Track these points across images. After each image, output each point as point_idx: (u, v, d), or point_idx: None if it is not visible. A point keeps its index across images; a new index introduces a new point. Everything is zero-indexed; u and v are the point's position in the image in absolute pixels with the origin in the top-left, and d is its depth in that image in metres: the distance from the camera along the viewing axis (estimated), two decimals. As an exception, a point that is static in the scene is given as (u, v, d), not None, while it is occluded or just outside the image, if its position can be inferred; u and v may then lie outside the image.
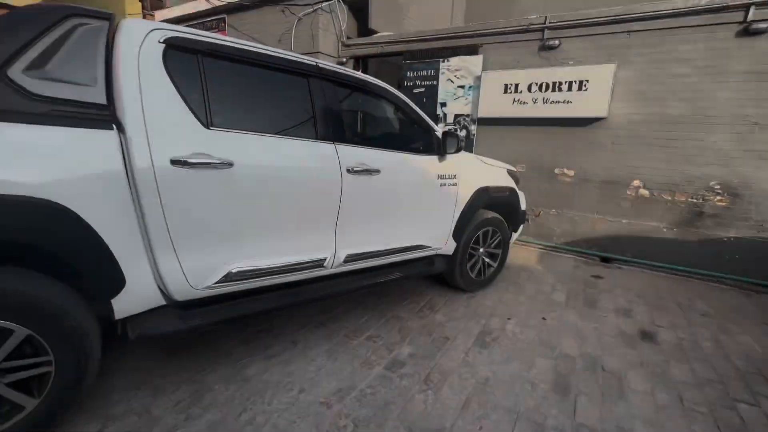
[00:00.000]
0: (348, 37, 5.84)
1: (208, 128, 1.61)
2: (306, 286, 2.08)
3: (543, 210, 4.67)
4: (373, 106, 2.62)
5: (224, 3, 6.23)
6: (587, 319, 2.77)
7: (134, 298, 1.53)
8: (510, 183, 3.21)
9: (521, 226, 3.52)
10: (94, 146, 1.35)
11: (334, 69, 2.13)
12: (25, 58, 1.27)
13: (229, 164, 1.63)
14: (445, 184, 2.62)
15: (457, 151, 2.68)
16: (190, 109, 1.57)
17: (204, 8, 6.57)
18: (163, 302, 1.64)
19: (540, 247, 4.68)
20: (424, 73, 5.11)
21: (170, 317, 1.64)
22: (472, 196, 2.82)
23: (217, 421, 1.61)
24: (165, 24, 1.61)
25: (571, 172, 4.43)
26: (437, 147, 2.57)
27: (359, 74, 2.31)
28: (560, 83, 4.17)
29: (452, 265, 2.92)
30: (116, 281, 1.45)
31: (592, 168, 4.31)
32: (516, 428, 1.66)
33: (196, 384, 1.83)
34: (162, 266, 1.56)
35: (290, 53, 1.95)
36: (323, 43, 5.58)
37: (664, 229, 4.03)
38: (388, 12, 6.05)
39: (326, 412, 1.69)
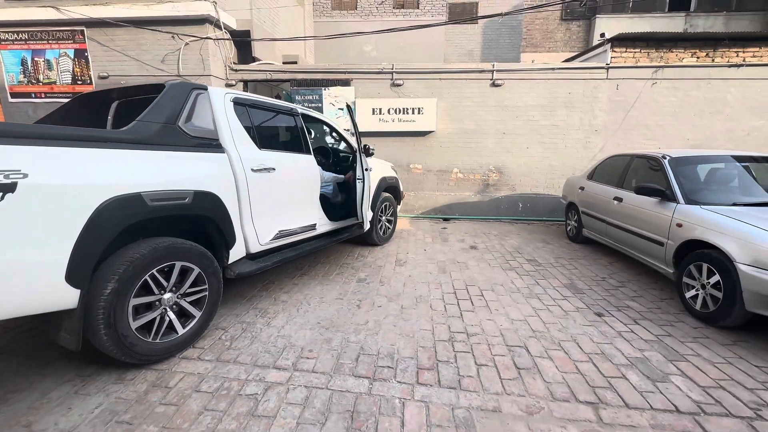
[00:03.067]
0: (235, 63, 6.69)
1: (260, 149, 2.80)
2: (304, 243, 3.38)
3: (406, 193, 6.86)
4: (330, 132, 4.02)
5: (84, 17, 6.01)
6: (445, 246, 4.94)
7: (236, 250, 2.60)
8: (394, 174, 5.11)
9: (401, 201, 5.50)
10: (219, 162, 2.42)
11: (309, 112, 3.49)
12: (183, 114, 2.27)
13: (274, 169, 2.85)
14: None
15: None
16: (252, 138, 2.73)
17: (55, 17, 6.09)
18: (243, 254, 2.73)
19: (408, 217, 6.87)
20: (310, 97, 6.56)
21: (249, 263, 2.75)
22: (378, 183, 4.56)
23: (288, 316, 2.82)
24: (230, 89, 2.69)
25: (420, 166, 6.77)
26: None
27: (322, 115, 3.71)
28: (407, 109, 6.39)
29: (371, 228, 4.60)
30: (233, 238, 2.52)
31: (431, 163, 6.73)
32: (429, 287, 3.48)
33: (257, 309, 2.93)
34: (246, 229, 2.67)
35: (285, 103, 3.23)
36: (214, 67, 6.28)
37: (472, 196, 6.79)
38: (264, 42, 7.17)
39: (342, 300, 3.12)
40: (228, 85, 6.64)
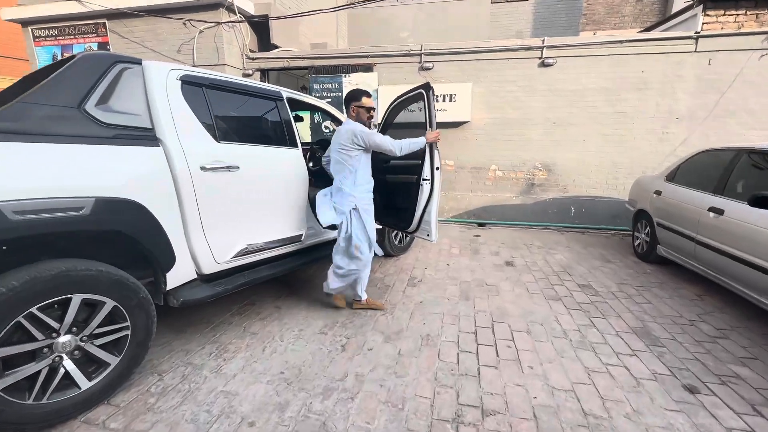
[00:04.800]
0: (252, 51, 6.24)
1: (220, 142, 2.18)
2: (287, 259, 2.74)
3: (435, 193, 6.01)
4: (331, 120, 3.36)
5: (104, 9, 5.87)
6: (474, 260, 4.07)
7: (179, 272, 2.01)
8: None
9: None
10: (147, 159, 1.83)
11: (299, 96, 2.85)
12: (94, 95, 1.69)
13: (237, 168, 2.22)
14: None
15: None
16: (207, 128, 2.12)
17: (78, 11, 6.03)
18: (195, 276, 2.14)
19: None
20: (329, 85, 5.93)
21: (201, 287, 2.15)
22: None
23: (248, 357, 2.20)
24: (179, 65, 2.10)
25: (452, 163, 5.88)
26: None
27: (318, 101, 3.05)
28: (437, 96, 5.52)
29: (383, 237, 3.87)
30: (171, 258, 1.93)
31: (464, 158, 5.82)
32: (443, 321, 2.68)
33: (216, 344, 2.34)
34: (195, 245, 2.07)
35: (265, 85, 2.60)
36: (228, 56, 5.87)
37: (514, 198, 5.78)
38: (286, 30, 6.65)
39: (324, 337, 2.44)
40: (245, 75, 6.21)
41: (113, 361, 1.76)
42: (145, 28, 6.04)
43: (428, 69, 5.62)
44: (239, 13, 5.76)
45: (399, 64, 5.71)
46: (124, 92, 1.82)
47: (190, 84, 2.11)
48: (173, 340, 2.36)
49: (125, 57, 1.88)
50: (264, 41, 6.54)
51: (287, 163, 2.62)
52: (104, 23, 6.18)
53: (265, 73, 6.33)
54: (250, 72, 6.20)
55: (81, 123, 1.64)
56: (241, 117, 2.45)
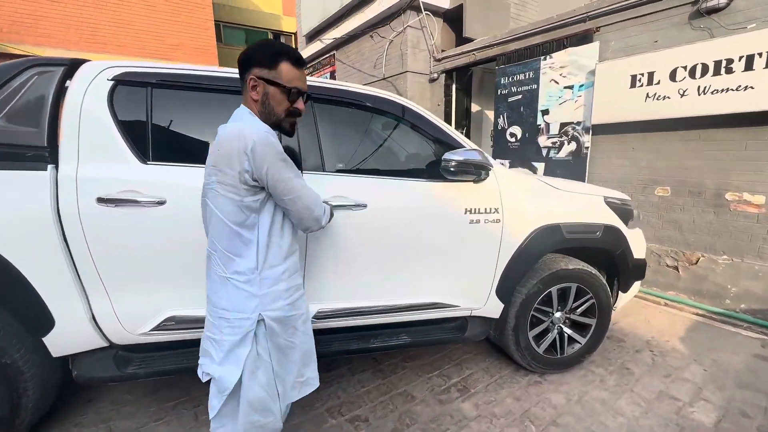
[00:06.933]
0: (442, 50, 5.41)
1: (147, 163, 1.50)
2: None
3: (704, 255, 3.07)
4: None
5: (332, 39, 6.73)
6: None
7: (68, 337, 1.50)
8: (607, 218, 2.14)
9: (635, 284, 2.32)
10: (23, 188, 1.38)
11: (328, 84, 1.81)
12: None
13: (163, 203, 1.47)
14: (477, 221, 1.89)
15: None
16: (131, 144, 1.49)
17: (320, 48, 7.26)
18: (105, 344, 1.58)
19: (696, 312, 3.06)
20: (521, 76, 4.20)
21: (106, 362, 1.58)
22: (529, 237, 1.96)
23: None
24: (123, 62, 1.59)
25: (759, 199, 2.77)
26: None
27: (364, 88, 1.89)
28: (730, 61, 2.69)
29: (502, 333, 2.10)
30: (44, 321, 1.44)
31: (803, 191, 2.59)
32: None
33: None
34: (95, 308, 1.50)
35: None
36: (412, 61, 5.31)
37: None
38: (487, 15, 5.34)
39: None
40: (432, 81, 5.49)
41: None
42: (355, 51, 6.46)
43: (716, 10, 2.83)
44: (425, 10, 5.06)
45: (645, 18, 3.22)
46: (28, 102, 1.44)
47: (128, 84, 1.54)
48: (126, 404, 1.91)
49: (47, 60, 1.50)
50: (462, 36, 5.54)
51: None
52: (333, 54, 7.13)
53: (451, 75, 5.35)
54: (435, 76, 5.39)
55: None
56: (208, 126, 1.67)
